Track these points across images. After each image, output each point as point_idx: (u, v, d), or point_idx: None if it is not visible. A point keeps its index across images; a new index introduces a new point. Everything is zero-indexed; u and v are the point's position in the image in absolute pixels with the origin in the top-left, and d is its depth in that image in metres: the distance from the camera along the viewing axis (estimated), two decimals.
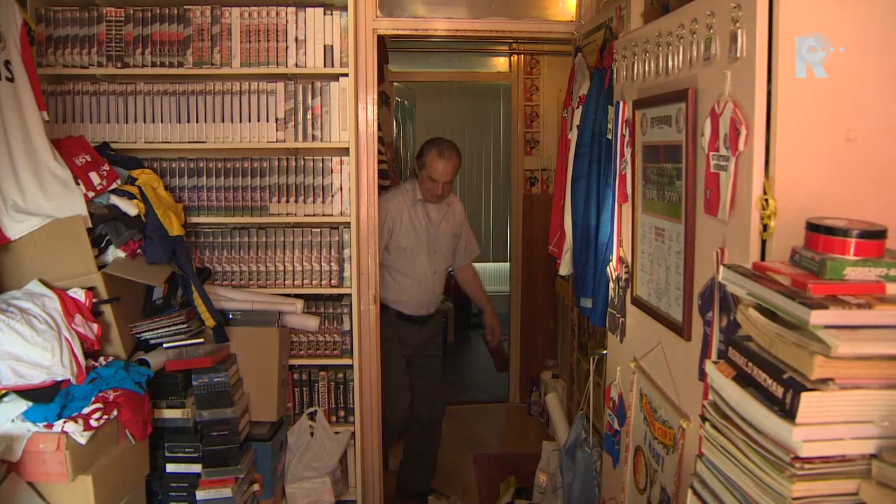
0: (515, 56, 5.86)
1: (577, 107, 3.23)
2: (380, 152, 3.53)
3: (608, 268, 2.56)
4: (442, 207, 3.99)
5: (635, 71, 2.22)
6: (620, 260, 2.40)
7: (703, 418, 1.38)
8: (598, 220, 2.91)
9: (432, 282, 3.99)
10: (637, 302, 2.22)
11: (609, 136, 2.82)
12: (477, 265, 8.40)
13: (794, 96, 1.44)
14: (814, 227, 1.25)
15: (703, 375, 1.70)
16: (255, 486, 3.11)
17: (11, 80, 2.57)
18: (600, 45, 3.05)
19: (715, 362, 1.37)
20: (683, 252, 1.83)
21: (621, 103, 2.34)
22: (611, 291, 2.53)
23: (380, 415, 3.65)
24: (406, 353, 4.02)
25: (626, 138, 2.29)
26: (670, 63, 1.92)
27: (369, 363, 3.56)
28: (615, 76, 2.52)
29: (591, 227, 2.96)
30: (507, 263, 7.63)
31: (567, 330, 4.77)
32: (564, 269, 3.31)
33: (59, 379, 2.39)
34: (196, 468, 2.91)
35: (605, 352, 2.83)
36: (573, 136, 3.23)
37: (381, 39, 3.66)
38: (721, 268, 1.41)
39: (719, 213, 1.61)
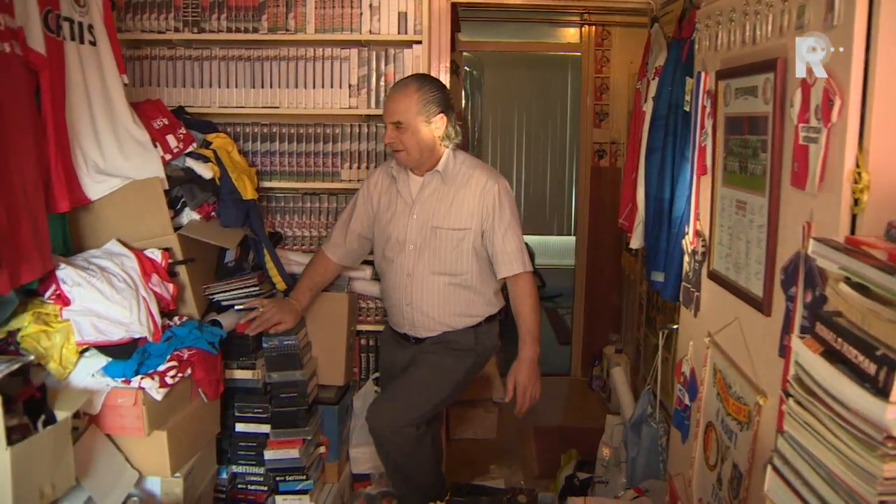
0: (587, 27, 5.76)
1: (653, 78, 3.18)
2: None
3: (683, 241, 2.52)
4: (428, 181, 2.84)
5: (719, 41, 2.17)
6: (697, 233, 2.36)
7: (787, 394, 1.35)
8: (672, 192, 2.88)
9: (408, 290, 2.86)
10: (714, 276, 2.19)
11: (686, 108, 2.77)
12: (539, 238, 8.53)
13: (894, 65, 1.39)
14: None
15: (783, 351, 1.67)
16: (322, 449, 3.16)
17: (94, 44, 2.62)
18: (679, 16, 2.98)
19: (801, 337, 1.35)
20: (766, 226, 1.79)
21: (703, 74, 2.29)
22: (685, 265, 2.49)
23: None
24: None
25: (707, 110, 2.24)
26: (758, 32, 1.86)
27: None
28: (696, 46, 2.46)
29: (664, 199, 2.92)
30: (571, 237, 7.63)
31: (633, 304, 4.73)
32: (636, 242, 3.28)
33: (137, 336, 2.45)
34: (265, 428, 2.97)
35: (675, 326, 2.80)
36: (648, 107, 3.18)
37: (454, 7, 3.63)
38: (811, 241, 1.38)
39: (807, 186, 1.57)
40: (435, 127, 2.75)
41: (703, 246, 2.29)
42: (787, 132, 1.70)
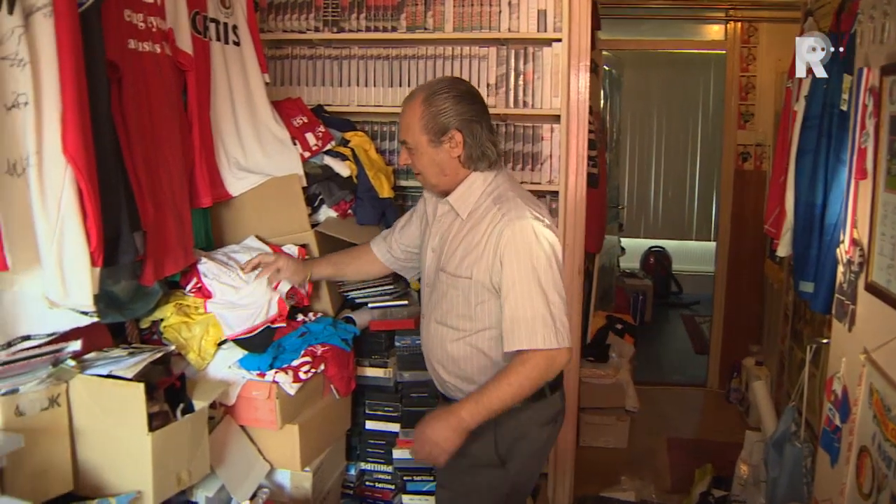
0: (732, 23, 5.57)
1: (806, 76, 3.01)
2: (588, 122, 3.43)
3: (837, 250, 2.36)
4: (442, 211, 2.31)
5: (885, 33, 2.01)
6: (854, 242, 2.20)
7: None
8: (825, 198, 2.71)
9: (426, 333, 2.38)
10: (872, 288, 2.03)
11: (843, 108, 2.60)
12: (677, 243, 8.32)
13: None
14: None
15: None
16: None
17: (238, 44, 2.69)
18: (836, 8, 2.80)
19: None
20: None
21: (865, 70, 2.13)
22: (839, 276, 2.33)
23: (577, 390, 3.57)
24: None
25: (869, 109, 2.08)
26: None
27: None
28: (857, 40, 2.30)
29: (816, 205, 2.75)
30: (711, 242, 7.38)
31: (778, 315, 4.51)
32: (783, 249, 3.11)
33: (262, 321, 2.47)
34: (394, 427, 2.97)
35: (825, 340, 2.63)
36: (799, 107, 3.01)
37: (594, 4, 3.55)
38: None
39: None
40: (449, 147, 2.19)
41: (860, 256, 2.13)
42: None
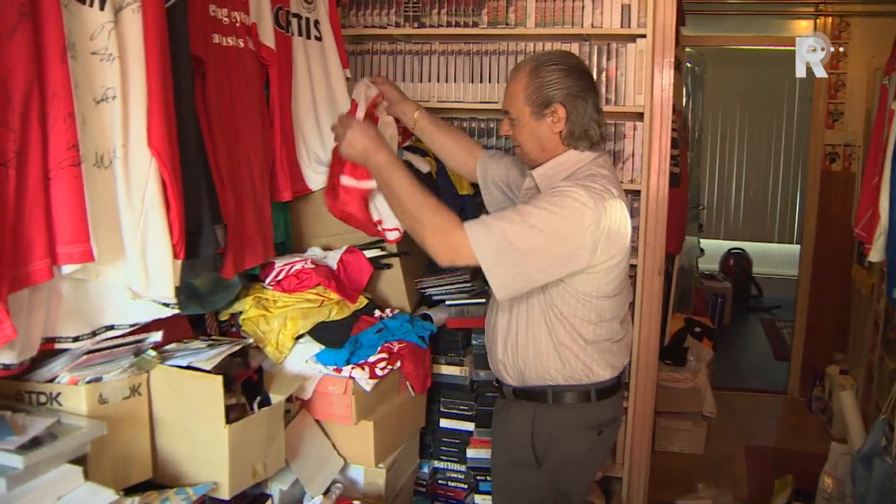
0: (822, 18, 5.38)
1: None
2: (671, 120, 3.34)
3: None
4: (528, 184, 2.25)
5: None
6: None
7: None
8: None
9: (492, 320, 2.30)
10: None
11: None
12: (758, 245, 8.12)
13: None
14: None
15: None
16: None
17: (319, 39, 2.71)
18: None
19: None
20: None
21: None
22: None
23: (654, 393, 3.49)
24: None
25: None
26: None
27: (648, 337, 3.39)
28: None
29: None
30: (794, 245, 7.17)
31: (865, 322, 4.35)
32: (875, 255, 2.98)
33: None
34: (469, 426, 2.95)
35: None
36: None
37: None
38: None
39: None
40: (552, 122, 2.10)
41: None
42: None
